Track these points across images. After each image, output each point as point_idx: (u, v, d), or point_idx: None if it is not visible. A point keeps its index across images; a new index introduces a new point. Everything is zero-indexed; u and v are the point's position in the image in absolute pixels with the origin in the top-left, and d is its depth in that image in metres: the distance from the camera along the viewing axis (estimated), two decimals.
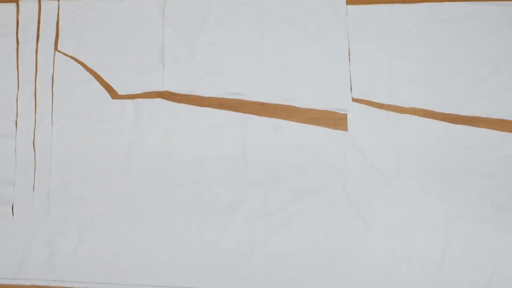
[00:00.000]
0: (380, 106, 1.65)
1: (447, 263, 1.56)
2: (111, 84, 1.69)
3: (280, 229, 1.59)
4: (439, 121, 1.62)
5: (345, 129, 1.64)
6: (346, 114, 1.65)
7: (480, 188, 1.59)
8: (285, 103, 1.67)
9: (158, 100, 1.65)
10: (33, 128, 1.67)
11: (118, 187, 1.62)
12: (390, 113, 1.63)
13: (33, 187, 1.64)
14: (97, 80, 1.68)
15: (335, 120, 1.66)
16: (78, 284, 1.58)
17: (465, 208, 1.58)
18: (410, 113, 1.64)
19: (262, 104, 1.67)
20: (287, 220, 1.59)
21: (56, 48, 1.71)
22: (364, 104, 1.65)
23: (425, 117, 1.63)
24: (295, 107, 1.67)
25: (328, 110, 1.66)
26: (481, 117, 1.64)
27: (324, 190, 1.60)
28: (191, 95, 1.68)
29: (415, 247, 1.57)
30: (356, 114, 1.63)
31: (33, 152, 1.66)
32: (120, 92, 1.68)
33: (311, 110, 1.67)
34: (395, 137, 1.62)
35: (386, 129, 1.62)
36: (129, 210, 1.61)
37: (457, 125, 1.61)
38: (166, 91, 1.68)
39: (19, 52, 1.71)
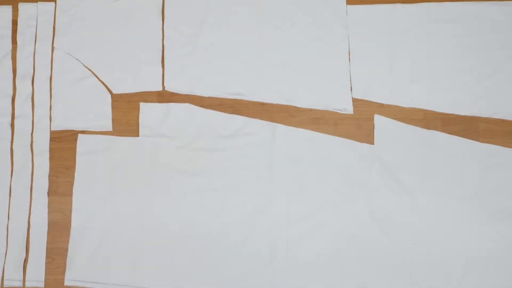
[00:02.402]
0: (380, 106, 1.66)
1: (468, 280, 1.54)
2: (106, 82, 1.68)
3: (302, 239, 1.57)
4: (464, 138, 1.61)
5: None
6: (351, 115, 1.65)
7: (504, 207, 1.57)
8: (285, 103, 1.66)
9: (186, 104, 1.64)
10: (31, 131, 1.65)
11: (141, 190, 1.60)
12: (418, 128, 1.62)
13: (31, 188, 1.63)
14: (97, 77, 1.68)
15: (335, 120, 1.66)
16: (95, 285, 1.56)
17: (488, 226, 1.56)
18: (410, 113, 1.65)
19: (262, 104, 1.67)
20: (309, 231, 1.57)
21: (52, 47, 1.69)
22: (364, 104, 1.65)
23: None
24: (295, 107, 1.67)
25: (328, 110, 1.66)
26: (481, 117, 1.65)
27: (348, 203, 1.58)
28: (191, 95, 1.67)
29: (437, 263, 1.55)
30: (383, 128, 1.62)
31: (31, 154, 1.64)
32: (115, 91, 1.67)
33: (311, 110, 1.67)
34: (421, 152, 1.60)
35: (412, 144, 1.61)
36: (151, 213, 1.59)
37: (483, 143, 1.61)
38: (166, 90, 1.67)
39: (17, 54, 1.69)
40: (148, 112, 1.64)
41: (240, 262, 1.56)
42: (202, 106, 1.66)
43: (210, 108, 1.66)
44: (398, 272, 1.55)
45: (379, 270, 1.55)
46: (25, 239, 1.61)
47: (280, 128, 1.62)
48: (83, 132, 1.65)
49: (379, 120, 1.62)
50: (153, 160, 1.61)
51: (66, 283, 1.57)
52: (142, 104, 1.64)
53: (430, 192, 1.58)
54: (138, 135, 1.65)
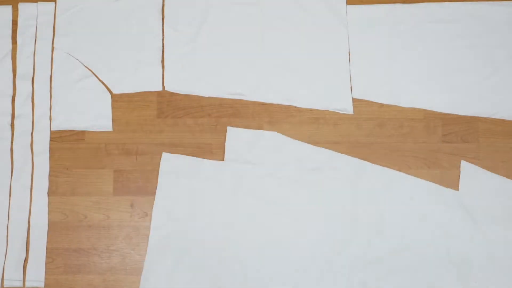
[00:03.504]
0: (380, 106, 1.66)
1: None
2: (106, 83, 1.68)
3: (379, 280, 1.56)
4: None
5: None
6: (351, 115, 1.65)
7: None
8: (285, 103, 1.66)
9: (274, 133, 1.63)
10: (31, 131, 1.65)
11: (222, 214, 1.59)
12: (505, 179, 1.60)
13: (31, 188, 1.63)
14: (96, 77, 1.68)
15: (335, 120, 1.66)
16: None
17: None
18: (410, 113, 1.65)
19: (262, 104, 1.67)
20: (386, 274, 1.56)
21: (52, 47, 1.69)
22: (364, 104, 1.65)
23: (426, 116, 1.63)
24: (295, 107, 1.67)
25: (328, 110, 1.66)
26: (481, 117, 1.65)
27: (428, 247, 1.57)
28: (191, 95, 1.67)
29: None
30: (469, 175, 1.61)
31: (31, 154, 1.64)
32: (115, 91, 1.67)
33: (311, 110, 1.67)
34: (506, 203, 1.59)
35: (497, 193, 1.60)
36: (230, 238, 1.58)
37: None
38: (166, 90, 1.67)
39: (17, 54, 1.69)
40: (235, 136, 1.63)
41: None
42: (201, 106, 1.66)
43: (210, 108, 1.66)
44: None
45: None
46: (25, 239, 1.61)
47: (365, 165, 1.61)
48: (83, 132, 1.66)
49: (466, 167, 1.61)
50: (236, 186, 1.61)
51: None
52: (229, 128, 1.64)
53: (510, 243, 1.57)
54: (137, 135, 1.65)
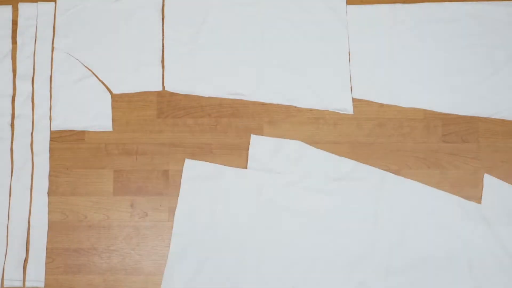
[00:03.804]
0: (380, 106, 1.66)
1: None
2: (106, 82, 1.68)
3: None
4: None
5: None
6: (351, 115, 1.65)
7: None
8: (285, 103, 1.66)
9: (298, 142, 1.63)
10: (31, 131, 1.65)
11: (243, 223, 1.59)
12: None
13: (31, 188, 1.63)
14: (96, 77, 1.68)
15: (335, 120, 1.66)
16: None
17: None
18: (410, 113, 1.65)
19: (262, 104, 1.67)
20: (408, 284, 1.56)
21: (52, 47, 1.70)
22: (364, 104, 1.65)
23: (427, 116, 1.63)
24: (295, 107, 1.67)
25: (328, 110, 1.66)
26: (481, 117, 1.65)
27: (448, 259, 1.57)
28: (191, 95, 1.67)
29: None
30: (492, 188, 1.60)
31: (31, 154, 1.64)
32: (115, 91, 1.67)
33: (311, 110, 1.67)
34: None
35: None
36: (252, 246, 1.58)
37: None
38: (166, 90, 1.67)
39: (17, 54, 1.69)
40: (258, 144, 1.63)
41: None
42: (201, 106, 1.66)
43: (210, 108, 1.66)
44: None
45: None
46: (25, 239, 1.61)
47: (389, 176, 1.61)
48: (83, 132, 1.66)
49: (489, 180, 1.61)
50: (259, 194, 1.60)
51: None
52: (253, 136, 1.63)
53: None
54: (137, 135, 1.65)
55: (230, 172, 1.62)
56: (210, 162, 1.64)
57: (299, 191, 1.60)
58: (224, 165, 1.64)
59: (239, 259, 1.57)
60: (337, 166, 1.62)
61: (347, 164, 1.62)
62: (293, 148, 1.62)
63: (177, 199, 1.63)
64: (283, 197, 1.60)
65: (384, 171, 1.61)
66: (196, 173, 1.62)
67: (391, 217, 1.59)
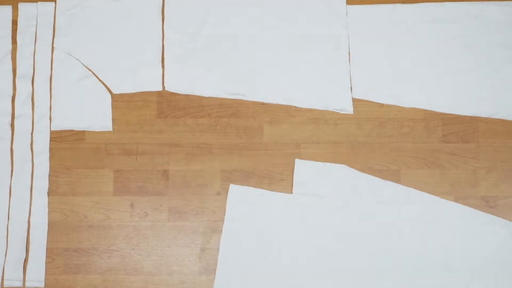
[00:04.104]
0: (380, 106, 1.66)
1: None
2: (106, 82, 1.68)
3: None
4: None
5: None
6: (351, 115, 1.65)
7: None
8: (285, 103, 1.66)
9: (343, 166, 1.62)
10: (31, 131, 1.65)
11: (289, 247, 1.58)
12: None
13: (31, 188, 1.63)
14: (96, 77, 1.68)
15: (335, 120, 1.66)
16: None
17: None
18: (410, 113, 1.65)
19: (262, 104, 1.67)
20: None
21: (52, 47, 1.70)
22: (364, 104, 1.66)
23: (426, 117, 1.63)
24: (295, 107, 1.67)
25: (328, 110, 1.66)
26: (481, 117, 1.65)
27: (493, 283, 1.56)
28: (191, 95, 1.67)
29: None
30: None
31: (31, 154, 1.64)
32: (115, 91, 1.67)
33: (311, 110, 1.67)
34: None
35: None
36: (299, 273, 1.57)
37: None
38: (166, 90, 1.67)
39: (17, 54, 1.69)
40: (303, 168, 1.62)
41: None
42: (201, 106, 1.67)
43: (210, 108, 1.66)
44: None
45: None
46: (25, 239, 1.61)
47: (432, 199, 1.60)
48: (83, 132, 1.66)
49: None
50: (304, 219, 1.60)
51: None
52: (297, 161, 1.62)
53: None
54: (137, 135, 1.65)
55: (275, 197, 1.61)
56: (248, 185, 1.63)
57: (344, 215, 1.59)
58: (224, 165, 1.65)
59: (285, 284, 1.57)
60: (381, 189, 1.61)
61: (392, 188, 1.61)
62: (338, 172, 1.62)
63: (177, 199, 1.63)
64: (328, 221, 1.59)
65: (430, 195, 1.60)
66: (241, 198, 1.62)
67: (437, 241, 1.58)
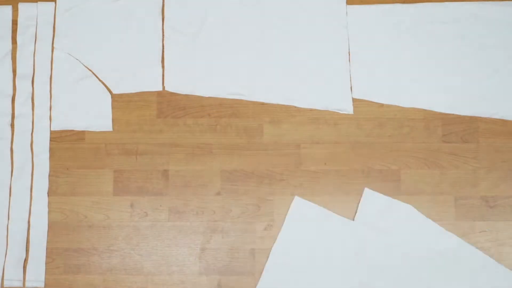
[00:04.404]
0: (380, 106, 1.66)
1: None
2: (106, 82, 1.68)
3: None
4: None
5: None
6: (351, 115, 1.65)
7: None
8: (285, 103, 1.66)
9: (409, 206, 1.61)
10: (31, 131, 1.65)
11: (341, 272, 1.58)
12: None
13: (31, 188, 1.63)
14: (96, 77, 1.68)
15: (335, 120, 1.66)
16: None
17: None
18: (410, 113, 1.65)
19: (262, 104, 1.67)
20: None
21: (52, 47, 1.70)
22: (364, 104, 1.66)
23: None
24: (295, 107, 1.67)
25: (328, 110, 1.66)
26: (481, 117, 1.65)
27: None
28: (191, 95, 1.67)
29: None
30: None
31: (31, 154, 1.64)
32: (115, 91, 1.67)
33: (311, 110, 1.67)
34: None
35: None
36: None
37: None
38: (166, 90, 1.67)
39: (17, 54, 1.69)
40: (370, 199, 1.62)
41: None
42: (201, 106, 1.66)
43: (210, 108, 1.66)
44: None
45: None
46: (25, 239, 1.61)
47: (490, 262, 1.58)
48: (83, 132, 1.66)
49: None
50: (360, 248, 1.59)
51: None
52: (367, 190, 1.62)
53: None
54: (137, 135, 1.65)
55: (336, 220, 1.61)
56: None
57: (400, 254, 1.59)
58: (224, 165, 1.65)
59: None
60: (442, 240, 1.60)
61: (453, 240, 1.60)
62: (403, 211, 1.61)
63: (178, 200, 1.63)
64: (385, 256, 1.59)
65: (485, 255, 1.59)
66: (303, 213, 1.61)
67: None
